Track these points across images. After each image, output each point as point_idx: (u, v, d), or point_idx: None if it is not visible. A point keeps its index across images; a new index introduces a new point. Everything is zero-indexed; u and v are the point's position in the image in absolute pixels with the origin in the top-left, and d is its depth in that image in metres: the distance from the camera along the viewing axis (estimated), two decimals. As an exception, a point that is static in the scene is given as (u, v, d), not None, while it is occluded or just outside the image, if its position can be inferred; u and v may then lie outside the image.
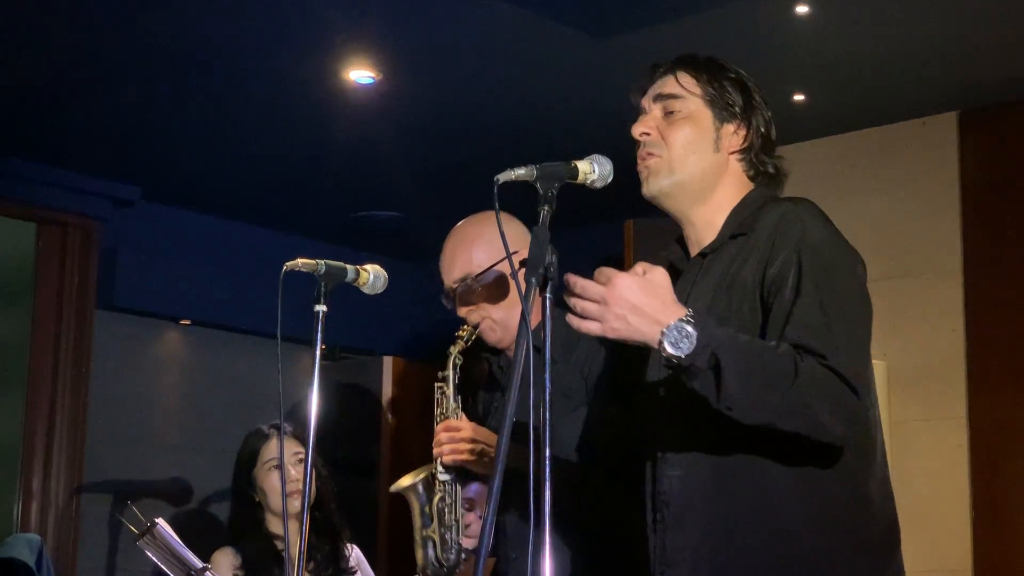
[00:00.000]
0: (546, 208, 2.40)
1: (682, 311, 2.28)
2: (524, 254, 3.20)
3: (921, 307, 5.34)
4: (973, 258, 5.30)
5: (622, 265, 5.41)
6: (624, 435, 2.83)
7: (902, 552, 2.55)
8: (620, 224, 5.58)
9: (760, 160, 2.68)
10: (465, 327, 3.34)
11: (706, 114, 2.65)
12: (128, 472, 6.37)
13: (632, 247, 5.48)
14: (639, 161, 2.68)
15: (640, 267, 2.31)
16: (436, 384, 3.36)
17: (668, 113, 2.66)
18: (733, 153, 2.66)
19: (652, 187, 2.66)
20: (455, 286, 3.32)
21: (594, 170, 2.50)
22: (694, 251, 2.68)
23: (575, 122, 5.46)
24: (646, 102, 2.71)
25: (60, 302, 6.29)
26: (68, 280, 6.31)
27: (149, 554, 4.00)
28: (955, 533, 5.14)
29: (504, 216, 3.25)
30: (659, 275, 2.30)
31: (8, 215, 6.24)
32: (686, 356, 2.26)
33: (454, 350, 3.33)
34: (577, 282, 2.31)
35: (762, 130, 2.67)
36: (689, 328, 2.26)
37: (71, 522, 6.16)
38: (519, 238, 3.05)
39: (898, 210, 5.42)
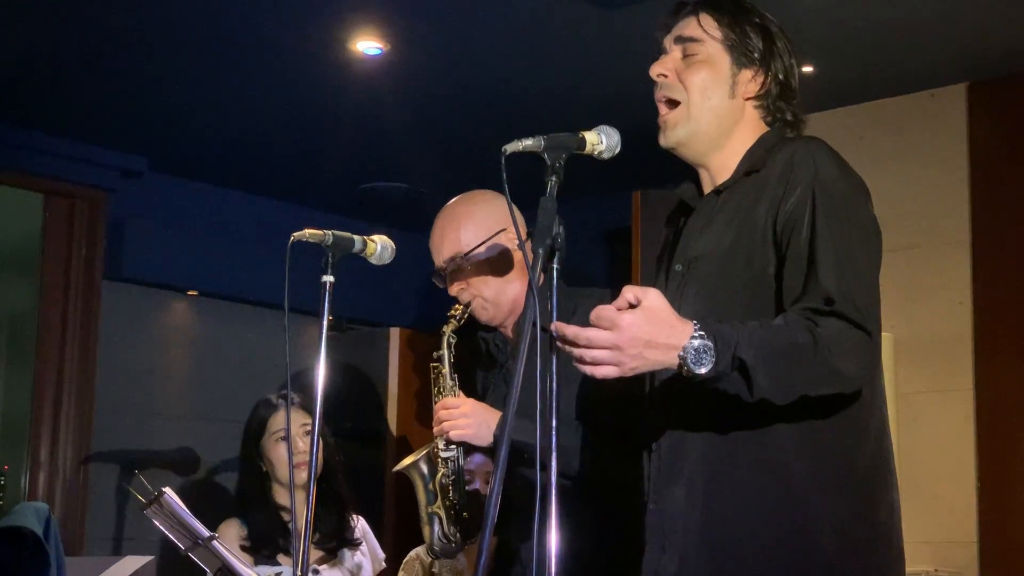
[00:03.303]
0: (553, 179, 2.41)
1: (690, 327, 2.26)
2: (511, 231, 3.27)
3: (929, 279, 5.33)
4: (981, 230, 5.28)
5: (629, 236, 5.45)
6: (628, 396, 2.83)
7: (899, 505, 2.55)
8: (628, 195, 5.57)
9: (777, 107, 2.70)
10: (457, 306, 3.37)
11: (724, 59, 2.66)
12: (135, 442, 6.39)
13: (639, 218, 5.47)
14: (657, 104, 2.68)
15: (631, 293, 2.28)
16: (431, 364, 3.38)
17: (687, 56, 2.67)
18: (749, 99, 2.68)
19: (670, 138, 2.68)
20: (445, 266, 3.35)
21: (601, 141, 2.51)
22: (707, 189, 2.69)
23: (583, 93, 5.45)
24: (667, 42, 2.72)
25: (67, 273, 6.29)
26: (75, 251, 6.31)
27: (156, 523, 4.00)
28: (961, 505, 5.14)
29: (490, 194, 3.33)
30: (654, 298, 2.27)
31: (15, 186, 6.24)
32: (710, 370, 2.26)
33: (447, 329, 3.37)
34: (579, 334, 2.26)
35: (780, 77, 2.69)
36: (705, 342, 2.25)
37: (79, 492, 6.18)
38: (504, 215, 3.07)
39: (907, 182, 5.40)
